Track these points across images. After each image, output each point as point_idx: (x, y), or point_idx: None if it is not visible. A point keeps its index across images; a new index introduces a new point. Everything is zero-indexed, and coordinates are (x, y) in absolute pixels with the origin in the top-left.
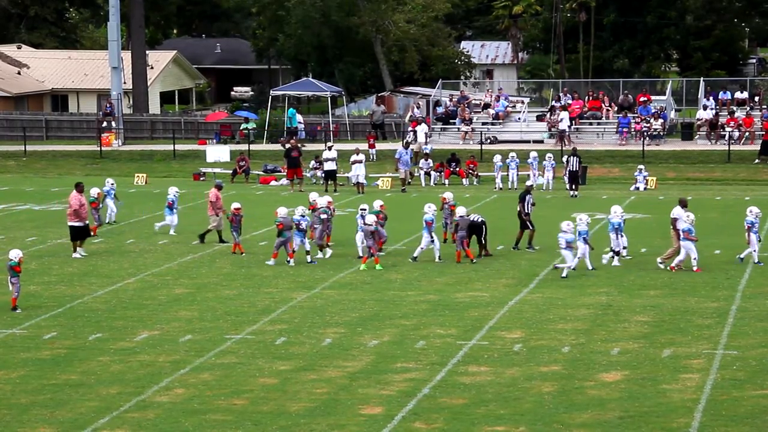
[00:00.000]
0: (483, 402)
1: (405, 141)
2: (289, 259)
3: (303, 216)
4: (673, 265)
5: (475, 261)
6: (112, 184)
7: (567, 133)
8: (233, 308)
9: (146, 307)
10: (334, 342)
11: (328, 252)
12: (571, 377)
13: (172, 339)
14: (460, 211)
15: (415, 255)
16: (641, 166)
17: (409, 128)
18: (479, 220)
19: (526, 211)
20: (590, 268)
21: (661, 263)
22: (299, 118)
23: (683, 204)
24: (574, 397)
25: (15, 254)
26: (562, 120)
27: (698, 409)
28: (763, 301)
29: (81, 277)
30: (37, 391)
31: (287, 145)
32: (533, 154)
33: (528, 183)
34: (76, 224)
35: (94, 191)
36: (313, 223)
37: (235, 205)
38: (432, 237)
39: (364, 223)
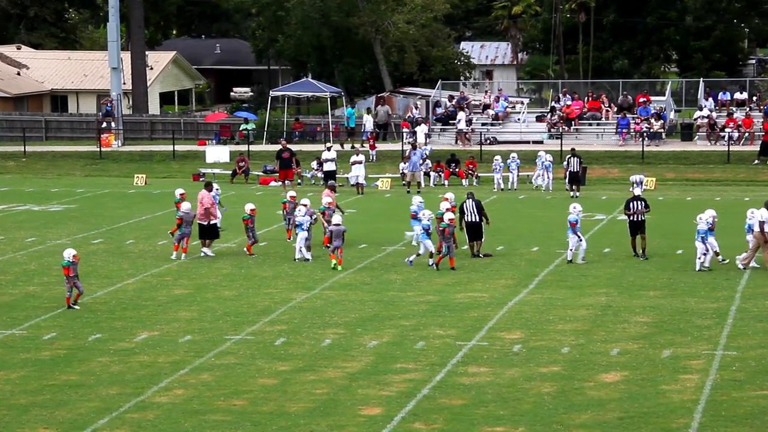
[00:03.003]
0: (482, 403)
1: (411, 142)
2: (182, 253)
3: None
4: None
5: (439, 268)
6: (217, 189)
7: (465, 133)
8: (233, 309)
9: (146, 307)
10: (334, 343)
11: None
12: (570, 378)
13: (172, 339)
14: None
15: (569, 258)
16: (640, 179)
17: (405, 129)
18: (477, 219)
19: (637, 218)
20: (706, 266)
21: (755, 266)
22: (368, 118)
23: None
24: (573, 398)
25: (67, 254)
26: (459, 121)
27: (698, 410)
28: (762, 302)
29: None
30: (36, 391)
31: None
32: (541, 154)
33: (636, 191)
34: (204, 222)
35: (179, 192)
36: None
37: (251, 206)
38: (579, 237)
39: (333, 224)
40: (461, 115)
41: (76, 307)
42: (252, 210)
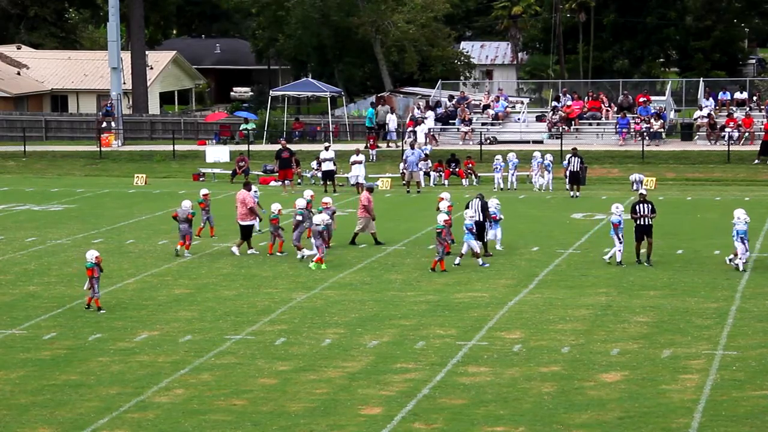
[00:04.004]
0: (483, 402)
1: (410, 141)
2: (179, 247)
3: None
4: None
5: (434, 270)
6: (256, 191)
7: (432, 134)
8: (233, 309)
9: (146, 307)
10: (334, 342)
11: (306, 252)
12: (570, 378)
13: (172, 339)
14: (440, 218)
15: (609, 259)
16: (640, 179)
17: (408, 128)
18: (481, 219)
19: (644, 222)
20: (741, 269)
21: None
22: (391, 117)
23: None
24: (573, 398)
25: (90, 255)
26: (427, 118)
27: (698, 410)
28: (762, 302)
29: (81, 278)
30: (36, 391)
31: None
32: (536, 154)
33: (641, 191)
34: (245, 222)
35: (203, 192)
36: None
37: (278, 206)
38: (620, 238)
39: (314, 224)
40: (429, 114)
41: (91, 309)
42: (279, 210)
